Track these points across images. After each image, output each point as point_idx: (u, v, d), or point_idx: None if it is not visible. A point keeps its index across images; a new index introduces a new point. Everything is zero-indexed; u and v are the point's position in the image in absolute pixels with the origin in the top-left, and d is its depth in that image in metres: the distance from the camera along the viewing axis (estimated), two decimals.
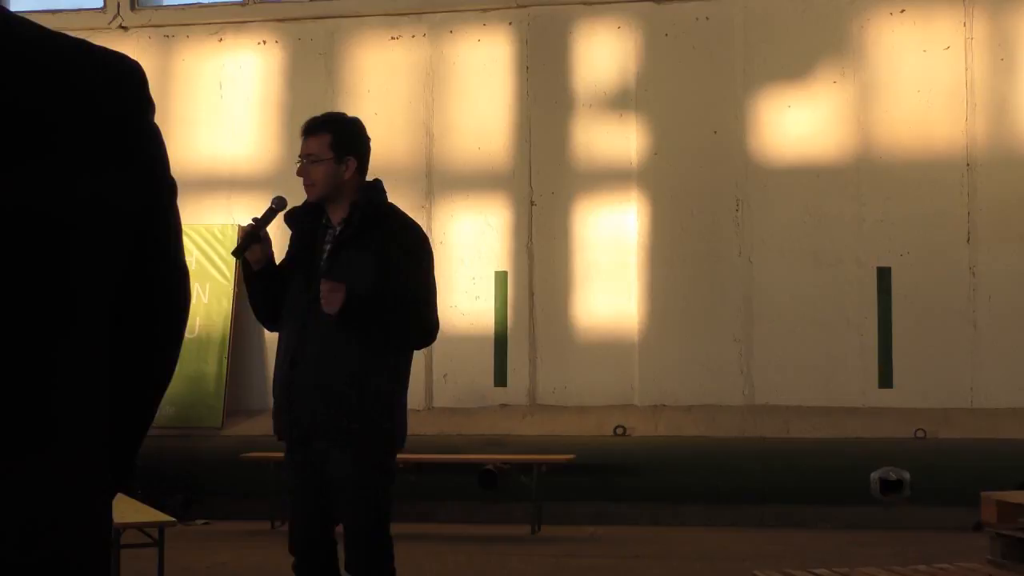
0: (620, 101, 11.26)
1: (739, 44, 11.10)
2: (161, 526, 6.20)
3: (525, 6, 11.43)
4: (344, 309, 4.21)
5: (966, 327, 10.59)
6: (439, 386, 11.25)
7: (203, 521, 10.23)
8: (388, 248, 4.36)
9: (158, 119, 1.63)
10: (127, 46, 11.31)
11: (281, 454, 4.61)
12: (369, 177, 4.54)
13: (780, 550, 8.46)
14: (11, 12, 1.54)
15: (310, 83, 11.64)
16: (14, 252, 1.42)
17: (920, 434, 10.20)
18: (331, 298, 4.22)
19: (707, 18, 11.18)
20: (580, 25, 11.40)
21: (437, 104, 11.56)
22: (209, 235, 11.55)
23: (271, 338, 4.64)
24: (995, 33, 10.82)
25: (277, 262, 4.48)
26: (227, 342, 11.36)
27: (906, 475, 9.72)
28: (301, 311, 4.36)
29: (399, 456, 4.54)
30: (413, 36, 11.66)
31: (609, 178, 11.23)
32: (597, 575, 8.15)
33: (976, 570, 6.12)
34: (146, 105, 1.60)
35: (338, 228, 4.43)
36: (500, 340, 11.29)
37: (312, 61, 11.79)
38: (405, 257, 4.39)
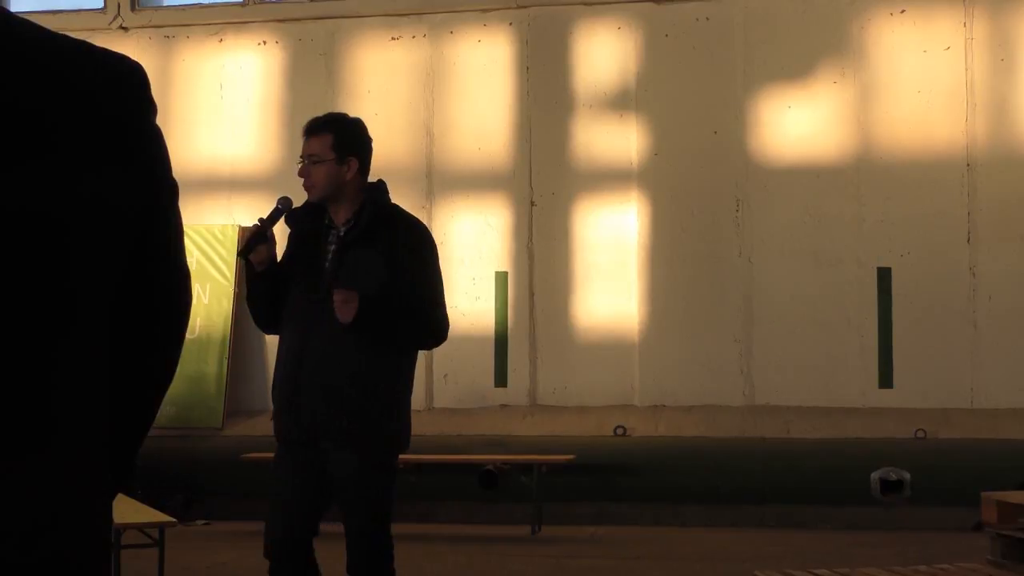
0: (620, 101, 11.26)
1: (739, 44, 11.10)
2: (161, 526, 6.20)
3: (525, 6, 11.44)
4: (357, 318, 4.20)
5: (966, 327, 10.59)
6: (439, 386, 11.25)
7: (203, 521, 10.23)
8: (396, 249, 4.35)
9: (158, 119, 1.64)
10: (127, 46, 11.31)
11: None
12: (370, 177, 4.55)
13: (780, 551, 8.46)
14: (11, 12, 1.54)
15: (310, 83, 11.65)
16: (14, 252, 1.42)
17: (920, 434, 10.20)
18: (345, 309, 4.20)
19: (707, 18, 11.18)
20: (580, 25, 11.40)
21: (437, 104, 11.56)
22: (209, 235, 11.55)
23: (272, 339, 4.63)
24: (995, 33, 10.82)
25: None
26: (228, 342, 11.36)
27: (906, 475, 9.72)
28: (305, 312, 4.34)
29: (401, 456, 4.53)
30: (413, 36, 11.66)
31: (609, 178, 11.23)
32: (597, 575, 8.15)
33: (976, 570, 6.12)
34: (147, 106, 1.60)
35: (342, 229, 4.41)
36: (500, 340, 11.29)
37: (312, 61, 11.79)
38: (412, 257, 4.39)
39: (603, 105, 11.29)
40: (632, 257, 11.16)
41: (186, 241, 1.86)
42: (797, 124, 11.01)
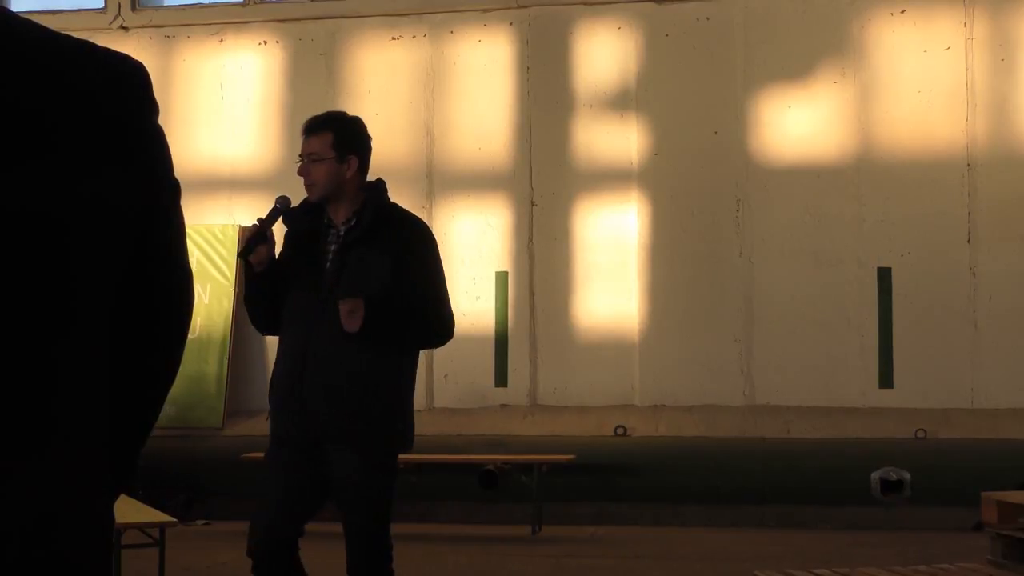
0: (621, 101, 11.26)
1: (740, 44, 11.10)
2: (162, 526, 6.20)
3: (526, 6, 11.44)
4: (364, 326, 4.19)
5: (966, 327, 10.59)
6: (440, 386, 11.25)
7: (204, 521, 10.23)
8: (400, 249, 4.34)
9: (159, 120, 1.63)
10: (128, 46, 11.31)
11: None
12: (370, 177, 4.54)
13: (780, 551, 8.46)
14: (12, 12, 1.54)
15: (311, 83, 11.65)
16: (14, 252, 1.42)
17: (920, 434, 10.20)
18: (351, 319, 4.18)
19: (707, 18, 11.18)
20: (581, 25, 11.40)
21: (438, 104, 11.57)
22: (210, 235, 11.55)
23: (273, 339, 4.60)
24: (995, 33, 10.82)
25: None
26: (228, 342, 11.36)
27: (906, 475, 9.72)
28: (306, 312, 4.32)
29: (401, 456, 4.52)
30: (414, 36, 11.66)
31: (610, 178, 11.23)
32: (597, 575, 8.15)
33: (977, 570, 6.12)
34: (148, 106, 1.60)
35: (342, 228, 4.40)
36: (501, 340, 11.29)
37: (313, 61, 11.79)
38: (416, 257, 4.38)
39: (603, 105, 11.29)
40: (632, 257, 11.16)
41: (187, 241, 1.86)
42: (797, 124, 11.01)
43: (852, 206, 10.84)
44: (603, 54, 11.34)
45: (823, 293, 10.80)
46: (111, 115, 1.53)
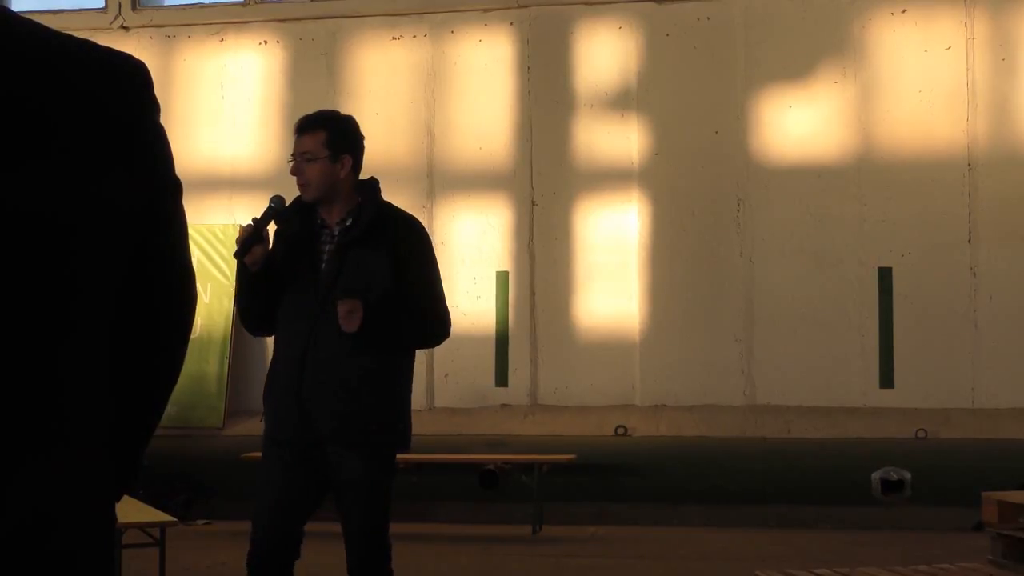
0: (621, 101, 11.26)
1: (740, 44, 11.10)
2: (162, 526, 6.20)
3: (526, 6, 11.44)
4: (363, 327, 4.17)
5: (967, 327, 10.59)
6: (440, 386, 11.25)
7: (204, 521, 10.23)
8: (400, 249, 4.32)
9: (160, 119, 1.63)
10: (128, 46, 11.31)
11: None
12: (370, 176, 4.52)
13: (781, 550, 8.46)
14: (13, 12, 1.54)
15: (311, 83, 11.65)
16: (17, 252, 1.42)
17: (921, 434, 10.20)
18: (350, 320, 4.17)
19: (708, 18, 11.18)
20: (581, 25, 11.40)
21: (438, 104, 11.56)
22: (211, 235, 11.56)
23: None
24: (996, 33, 10.82)
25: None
26: (229, 342, 11.37)
27: (907, 475, 9.71)
28: (304, 313, 4.29)
29: (401, 456, 4.52)
30: (414, 36, 11.66)
31: (610, 178, 11.23)
32: (598, 575, 8.15)
33: (977, 570, 6.12)
34: (150, 105, 1.60)
35: (336, 228, 4.36)
36: (501, 340, 11.29)
37: (313, 61, 11.79)
38: (414, 257, 4.37)
39: (604, 105, 11.29)
40: (633, 257, 11.16)
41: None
42: (798, 124, 11.01)
43: (853, 206, 10.84)
44: (604, 54, 11.34)
45: (824, 293, 10.79)
46: (114, 115, 1.53)
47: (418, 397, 10.88)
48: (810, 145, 10.98)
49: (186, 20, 12.11)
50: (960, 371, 10.53)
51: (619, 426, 10.68)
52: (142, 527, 6.21)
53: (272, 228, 4.46)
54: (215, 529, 10.01)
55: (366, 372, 4.25)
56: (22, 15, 1.53)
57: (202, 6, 12.17)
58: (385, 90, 11.60)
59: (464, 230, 11.39)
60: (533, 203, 11.33)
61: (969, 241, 10.68)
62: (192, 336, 1.73)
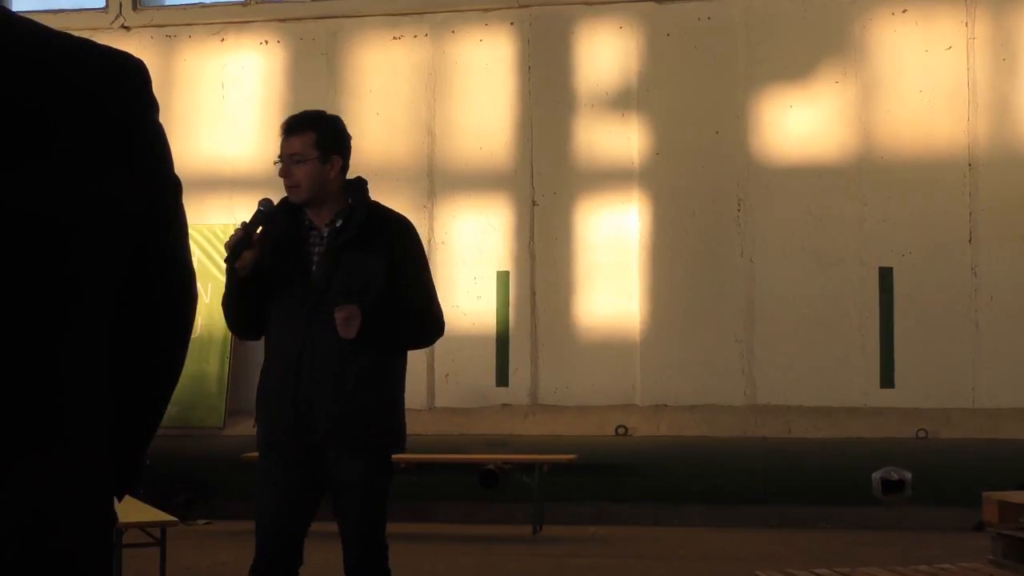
0: (622, 101, 11.26)
1: (741, 44, 11.10)
2: (163, 526, 6.20)
3: (527, 6, 11.44)
4: (360, 332, 4.16)
5: (968, 327, 10.58)
6: (440, 386, 11.25)
7: (205, 521, 10.24)
8: (394, 250, 4.30)
9: (160, 119, 1.63)
10: (129, 46, 11.30)
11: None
12: (370, 177, 4.51)
13: (782, 550, 8.46)
14: (13, 12, 1.54)
15: (312, 83, 11.64)
16: (17, 252, 1.42)
17: (922, 434, 10.20)
18: (347, 326, 4.14)
19: (709, 18, 11.18)
20: (582, 25, 11.40)
21: (439, 104, 11.56)
22: (211, 235, 11.55)
23: None
24: (997, 33, 10.81)
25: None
26: (229, 342, 11.36)
27: (908, 475, 9.71)
28: (298, 316, 4.25)
29: (401, 456, 4.51)
30: (415, 36, 11.66)
31: (611, 178, 11.23)
32: (598, 575, 8.15)
33: (977, 570, 6.12)
34: (150, 104, 1.60)
35: (325, 230, 4.31)
36: (502, 340, 11.29)
37: (314, 61, 11.79)
38: (408, 258, 4.36)
39: (604, 105, 11.29)
40: (633, 257, 11.15)
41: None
42: (798, 124, 11.01)
43: (853, 206, 10.83)
44: (604, 54, 11.34)
45: (824, 293, 10.79)
46: (114, 114, 1.53)
47: (418, 397, 10.95)
48: (811, 145, 10.98)
49: (187, 20, 12.11)
50: (961, 371, 10.53)
51: (619, 426, 10.68)
52: (142, 527, 6.20)
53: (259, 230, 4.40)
54: (215, 529, 10.01)
55: (362, 373, 4.23)
56: (22, 15, 1.53)
57: (203, 6, 12.17)
58: (386, 90, 11.60)
59: (465, 230, 11.39)
60: (534, 203, 11.33)
61: (970, 241, 10.68)
62: (192, 336, 1.73)
